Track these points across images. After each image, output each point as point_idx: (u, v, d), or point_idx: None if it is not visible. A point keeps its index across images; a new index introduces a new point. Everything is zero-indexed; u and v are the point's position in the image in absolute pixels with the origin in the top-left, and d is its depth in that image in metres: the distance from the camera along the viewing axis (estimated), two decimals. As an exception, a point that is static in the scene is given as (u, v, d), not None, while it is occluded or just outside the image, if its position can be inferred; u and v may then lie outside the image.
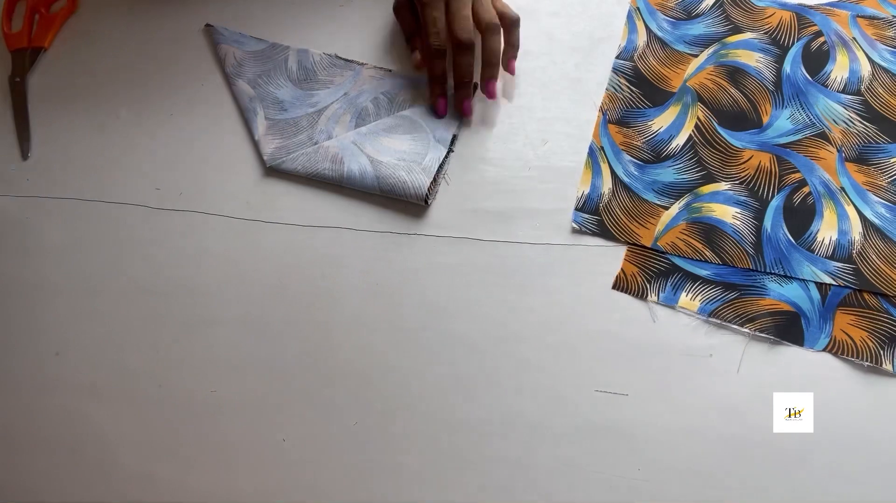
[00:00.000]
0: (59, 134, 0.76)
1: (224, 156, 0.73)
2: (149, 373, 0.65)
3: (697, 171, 0.68)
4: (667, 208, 0.67)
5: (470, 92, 0.71)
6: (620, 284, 0.64)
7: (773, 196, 0.66)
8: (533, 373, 0.62)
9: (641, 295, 0.64)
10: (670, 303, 0.63)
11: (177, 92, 0.76)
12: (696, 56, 0.73)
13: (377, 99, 0.73)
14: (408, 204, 0.69)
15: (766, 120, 0.69)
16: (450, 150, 0.71)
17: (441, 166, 0.70)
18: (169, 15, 0.81)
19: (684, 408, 0.60)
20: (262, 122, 0.73)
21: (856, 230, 0.64)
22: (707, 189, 0.67)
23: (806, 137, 0.68)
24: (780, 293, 0.62)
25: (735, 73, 0.71)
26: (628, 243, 0.66)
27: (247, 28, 0.79)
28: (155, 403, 0.64)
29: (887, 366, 0.59)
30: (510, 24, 0.71)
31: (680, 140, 0.69)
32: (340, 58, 0.77)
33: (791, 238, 0.64)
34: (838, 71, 0.71)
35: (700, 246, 0.65)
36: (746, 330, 0.62)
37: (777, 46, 0.72)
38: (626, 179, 0.69)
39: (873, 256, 0.63)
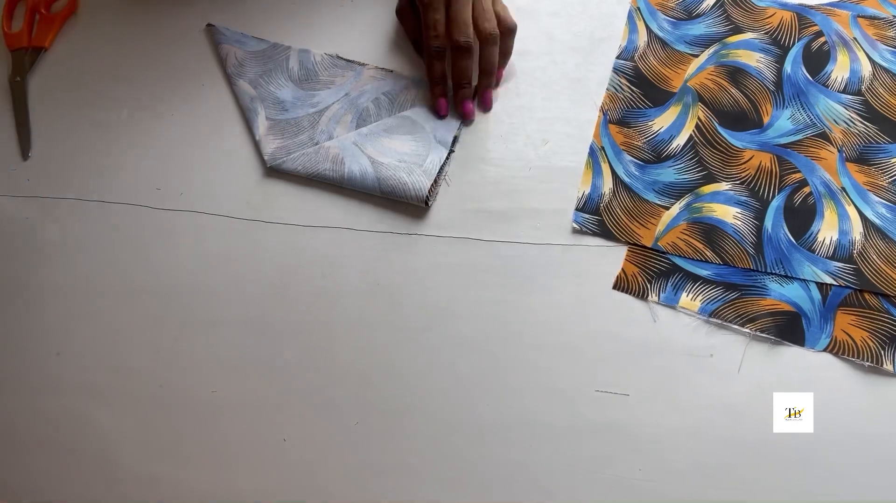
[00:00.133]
0: (59, 134, 0.76)
1: (224, 156, 0.73)
2: (150, 373, 0.65)
3: (698, 171, 0.68)
4: (667, 208, 0.67)
5: (470, 93, 0.72)
6: (621, 284, 0.64)
7: (773, 196, 0.66)
8: (534, 373, 0.62)
9: (642, 295, 0.64)
10: (671, 304, 0.63)
11: (177, 92, 0.76)
12: (697, 56, 0.73)
13: (378, 99, 0.73)
14: (408, 204, 0.69)
15: (766, 120, 0.69)
16: (451, 151, 0.71)
17: (442, 168, 0.70)
18: (169, 15, 0.81)
19: (685, 408, 0.60)
20: (263, 122, 0.73)
21: (856, 230, 0.64)
22: (708, 189, 0.67)
23: (807, 137, 0.68)
24: (781, 293, 0.62)
25: (736, 74, 0.71)
26: (629, 243, 0.66)
27: (248, 28, 0.79)
28: (156, 403, 0.64)
29: (888, 366, 0.59)
30: (506, 31, 0.71)
31: (681, 140, 0.69)
32: (342, 58, 0.77)
33: (792, 238, 0.64)
34: (839, 71, 0.71)
35: (701, 246, 0.65)
36: (747, 330, 0.62)
37: (778, 46, 0.72)
38: (626, 179, 0.69)
39: (874, 256, 0.63)
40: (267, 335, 0.65)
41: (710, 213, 0.66)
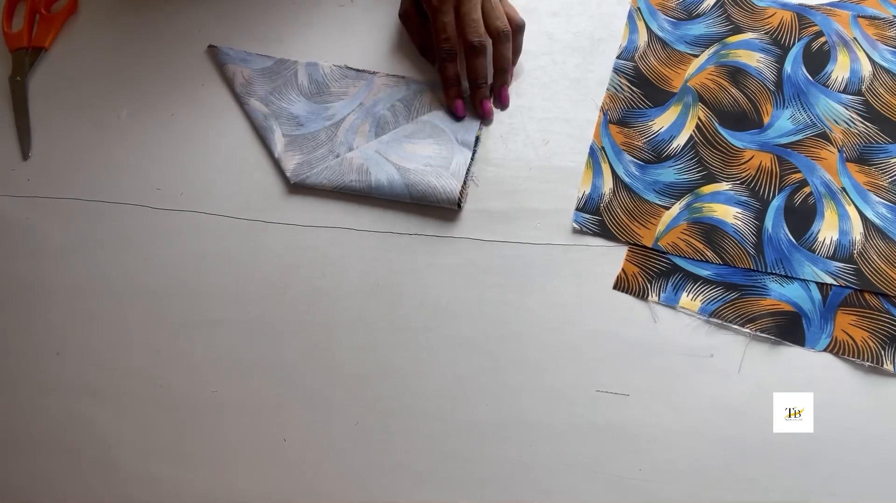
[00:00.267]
0: (59, 134, 0.76)
1: (225, 156, 0.73)
2: (150, 374, 0.65)
3: (698, 172, 0.68)
4: (668, 208, 0.67)
5: (487, 93, 0.72)
6: (621, 284, 0.64)
7: (774, 196, 0.66)
8: (534, 373, 0.62)
9: (642, 295, 0.64)
10: (671, 304, 0.63)
11: (177, 92, 0.76)
12: (697, 56, 0.73)
13: (394, 106, 0.73)
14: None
15: (766, 120, 0.69)
16: (474, 152, 0.70)
17: (468, 168, 0.69)
18: (169, 16, 0.81)
19: (685, 409, 0.60)
20: (279, 138, 0.72)
21: (857, 230, 0.64)
22: (708, 189, 0.67)
23: (807, 137, 0.68)
24: (781, 293, 0.62)
25: (736, 74, 0.71)
26: (629, 243, 0.66)
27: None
28: (156, 403, 0.64)
29: (888, 366, 0.59)
30: (516, 28, 0.71)
31: (681, 140, 0.69)
32: (351, 68, 0.76)
33: (792, 238, 0.64)
34: (839, 71, 0.71)
35: (701, 246, 0.65)
36: (747, 330, 0.62)
37: (778, 46, 0.72)
38: (626, 179, 0.69)
39: (874, 256, 0.63)
40: (267, 335, 0.65)
41: (710, 213, 0.66)
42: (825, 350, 0.61)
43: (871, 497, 0.57)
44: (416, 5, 0.73)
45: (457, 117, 0.72)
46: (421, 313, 0.65)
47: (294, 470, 0.61)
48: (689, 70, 0.73)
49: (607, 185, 0.68)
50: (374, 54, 0.77)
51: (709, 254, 0.64)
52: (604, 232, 0.66)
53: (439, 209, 0.68)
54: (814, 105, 0.69)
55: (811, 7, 0.74)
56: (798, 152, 0.67)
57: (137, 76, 0.78)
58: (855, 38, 0.72)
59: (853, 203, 0.65)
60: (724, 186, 0.67)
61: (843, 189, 0.66)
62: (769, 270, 0.63)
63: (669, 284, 0.64)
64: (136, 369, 0.65)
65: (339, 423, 0.62)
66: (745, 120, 0.69)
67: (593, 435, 0.60)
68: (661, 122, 0.71)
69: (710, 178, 0.67)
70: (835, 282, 0.62)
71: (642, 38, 0.75)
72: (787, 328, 0.61)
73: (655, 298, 0.64)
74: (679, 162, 0.68)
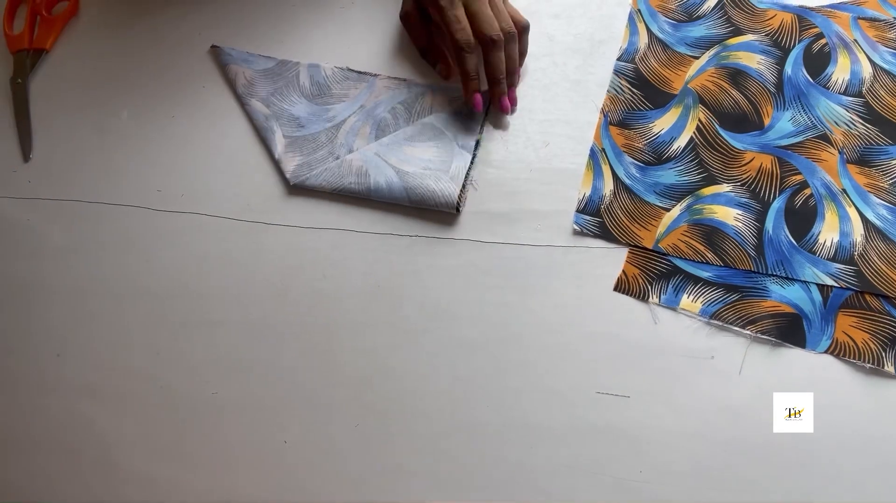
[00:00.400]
0: (60, 136, 0.76)
1: (226, 158, 0.73)
2: (150, 375, 0.65)
3: (699, 173, 0.68)
4: (668, 210, 0.67)
5: (504, 88, 0.71)
6: (622, 286, 0.64)
7: (774, 198, 0.66)
8: (534, 374, 0.62)
9: (643, 296, 0.64)
10: (672, 305, 0.63)
11: (178, 94, 0.76)
12: (698, 58, 0.73)
13: (395, 109, 0.73)
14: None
15: (767, 122, 0.69)
16: (473, 156, 0.70)
17: (468, 172, 0.69)
18: (170, 19, 0.81)
19: (685, 410, 0.60)
20: (280, 139, 0.72)
21: (857, 232, 0.64)
22: (708, 191, 0.67)
23: (807, 139, 0.68)
24: (782, 295, 0.62)
25: (736, 75, 0.71)
26: (630, 245, 0.66)
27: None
28: (156, 405, 0.64)
29: (889, 367, 0.59)
30: (521, 29, 0.71)
31: (681, 142, 0.69)
32: (353, 70, 0.76)
33: (793, 240, 0.64)
34: (840, 73, 0.71)
35: (702, 248, 0.65)
36: (748, 332, 0.61)
37: (778, 48, 0.72)
38: (627, 181, 0.69)
39: (875, 258, 0.63)
40: (267, 336, 0.65)
41: (711, 214, 0.66)
42: (826, 352, 0.61)
43: (872, 497, 0.57)
44: (417, 7, 0.73)
45: (476, 111, 0.71)
46: (421, 315, 0.65)
47: (294, 471, 0.61)
48: (690, 72, 0.73)
49: (608, 186, 0.68)
50: (375, 56, 0.77)
51: (709, 255, 0.64)
52: (604, 233, 0.66)
53: (440, 211, 0.68)
54: (814, 107, 0.69)
55: (811, 9, 0.74)
56: (799, 154, 0.67)
57: (138, 78, 0.78)
58: (855, 40, 0.72)
59: (854, 204, 0.65)
60: (724, 188, 0.67)
61: (844, 190, 0.66)
62: (770, 272, 0.63)
63: (670, 286, 0.64)
64: (137, 370, 0.65)
65: (340, 425, 0.62)
66: (745, 122, 0.69)
67: (594, 436, 0.60)
68: (662, 123, 0.71)
69: (711, 180, 0.67)
70: (835, 284, 0.62)
71: (643, 39, 0.75)
72: (788, 330, 0.61)
73: (656, 300, 0.64)
74: (679, 164, 0.68)
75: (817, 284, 0.63)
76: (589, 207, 0.68)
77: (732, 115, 0.70)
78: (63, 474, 0.63)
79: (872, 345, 0.60)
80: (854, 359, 0.60)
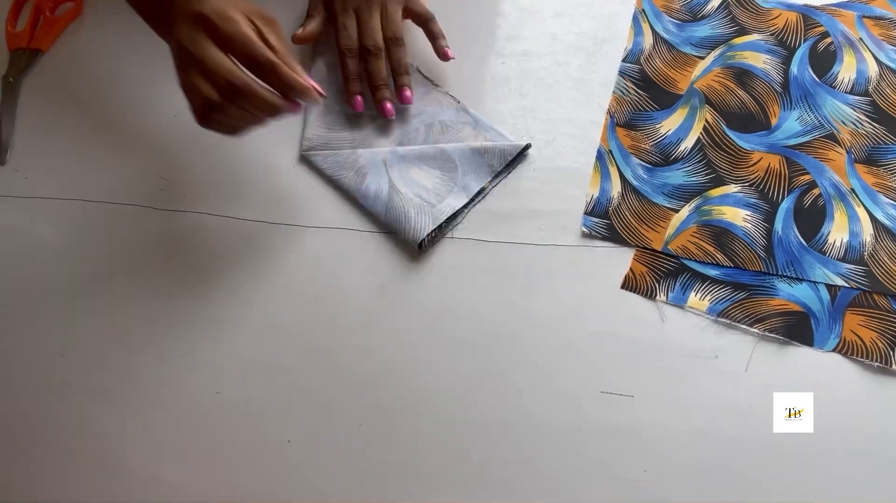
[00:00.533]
0: (62, 136, 0.75)
1: (227, 157, 0.72)
2: (154, 375, 0.65)
3: (706, 174, 0.67)
4: (677, 211, 0.66)
5: (386, 94, 0.72)
6: (629, 284, 0.64)
7: (783, 198, 0.66)
8: (538, 374, 0.62)
9: (650, 294, 0.63)
10: (679, 303, 0.63)
11: (180, 94, 0.76)
12: (703, 58, 0.73)
13: (431, 125, 0.72)
14: (382, 222, 0.68)
15: (774, 121, 0.69)
16: (472, 201, 0.69)
17: (455, 216, 0.68)
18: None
19: (690, 410, 0.60)
20: (318, 107, 0.73)
21: (867, 232, 0.64)
22: (717, 192, 0.67)
23: (815, 139, 0.68)
24: (790, 293, 0.62)
25: (742, 75, 0.71)
26: (639, 247, 0.65)
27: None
28: (159, 404, 0.64)
29: (896, 366, 0.59)
30: (427, 20, 0.73)
31: (688, 142, 0.69)
32: (420, 72, 0.76)
33: (802, 240, 0.64)
34: (846, 72, 0.71)
35: (711, 249, 0.64)
36: (756, 330, 0.61)
37: (784, 48, 0.72)
38: (635, 183, 0.68)
39: (885, 258, 0.63)
40: (271, 336, 0.65)
41: (720, 215, 0.65)
42: (834, 350, 0.60)
43: (872, 497, 0.57)
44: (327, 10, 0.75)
45: (355, 111, 0.72)
46: (425, 314, 0.65)
47: (298, 471, 0.61)
48: (696, 72, 0.72)
49: (615, 188, 0.68)
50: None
51: (719, 256, 0.64)
52: (613, 236, 0.66)
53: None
54: (821, 106, 0.69)
55: (816, 8, 0.74)
56: (806, 154, 0.67)
57: (140, 78, 0.77)
58: (861, 39, 0.72)
59: (862, 204, 0.65)
60: (732, 189, 0.67)
61: (853, 190, 0.65)
62: (780, 273, 0.63)
63: (678, 284, 0.64)
64: (140, 370, 0.65)
65: (343, 424, 0.62)
66: (752, 122, 0.69)
67: (598, 436, 0.60)
68: (669, 124, 0.70)
69: (719, 181, 0.67)
70: (846, 285, 0.62)
71: (647, 40, 0.75)
72: (796, 328, 0.61)
73: (664, 298, 0.63)
74: (687, 164, 0.68)
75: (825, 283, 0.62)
76: (597, 209, 0.67)
77: (739, 116, 0.70)
78: (67, 474, 0.62)
79: (880, 344, 0.60)
80: (861, 357, 0.60)
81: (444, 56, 0.73)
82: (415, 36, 0.76)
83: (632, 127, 0.71)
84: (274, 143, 0.72)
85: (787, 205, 0.65)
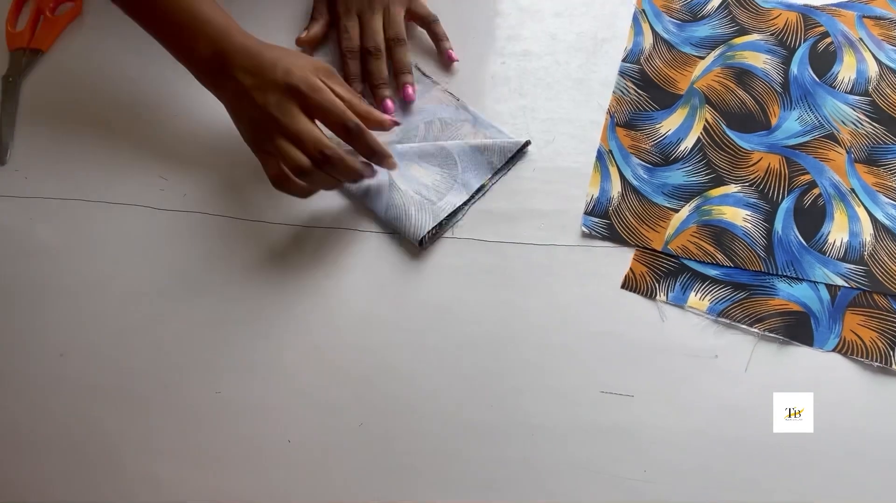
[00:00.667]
0: (61, 135, 0.75)
1: (227, 157, 0.72)
2: (153, 375, 0.65)
3: (706, 174, 0.67)
4: (677, 211, 0.66)
5: (387, 93, 0.73)
6: (629, 284, 0.64)
7: (783, 198, 0.66)
8: (538, 374, 0.62)
9: (650, 294, 0.63)
10: (679, 303, 0.63)
11: (180, 93, 0.76)
12: (703, 58, 0.73)
13: (431, 122, 0.72)
14: (382, 220, 0.68)
15: (774, 121, 0.69)
16: (471, 198, 0.69)
17: (455, 213, 0.68)
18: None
19: (690, 410, 0.60)
20: None
21: (867, 231, 0.64)
22: (717, 192, 0.67)
23: (815, 139, 0.68)
24: (790, 293, 0.62)
25: (742, 75, 0.71)
26: (639, 247, 0.65)
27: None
28: (159, 404, 0.64)
29: (896, 366, 0.59)
30: (430, 22, 0.75)
31: (689, 142, 0.69)
32: (419, 69, 0.76)
33: (802, 240, 0.64)
34: (846, 72, 0.71)
35: (711, 249, 0.64)
36: (756, 330, 0.61)
37: (784, 48, 0.72)
38: (635, 182, 0.68)
39: (885, 258, 0.63)
40: (271, 336, 0.65)
41: (720, 215, 0.65)
42: (833, 350, 0.60)
43: (873, 497, 0.57)
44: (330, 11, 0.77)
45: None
46: (424, 314, 0.65)
47: (298, 470, 0.61)
48: (696, 72, 0.72)
49: (615, 188, 0.68)
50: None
51: (719, 256, 0.64)
52: (613, 236, 0.66)
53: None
54: (821, 106, 0.69)
55: (816, 8, 0.74)
56: (806, 154, 0.67)
57: (140, 77, 0.77)
58: (861, 39, 0.72)
59: (862, 204, 0.65)
60: (732, 189, 0.67)
61: (853, 190, 0.65)
62: (780, 273, 0.63)
63: (678, 284, 0.64)
64: (140, 370, 0.65)
65: (343, 424, 0.62)
66: (752, 121, 0.69)
67: (597, 436, 0.60)
68: (669, 124, 0.70)
69: (719, 181, 0.67)
70: (846, 285, 0.62)
71: (647, 40, 0.75)
72: (796, 328, 0.61)
73: (664, 298, 0.63)
74: (687, 164, 0.68)
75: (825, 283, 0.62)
76: (597, 209, 0.67)
77: (739, 115, 0.70)
78: (67, 474, 0.62)
79: (880, 344, 0.60)
80: (861, 357, 0.60)
81: (448, 58, 0.74)
82: (415, 36, 0.76)
83: (632, 127, 0.71)
84: (274, 142, 0.72)
85: (787, 205, 0.65)
